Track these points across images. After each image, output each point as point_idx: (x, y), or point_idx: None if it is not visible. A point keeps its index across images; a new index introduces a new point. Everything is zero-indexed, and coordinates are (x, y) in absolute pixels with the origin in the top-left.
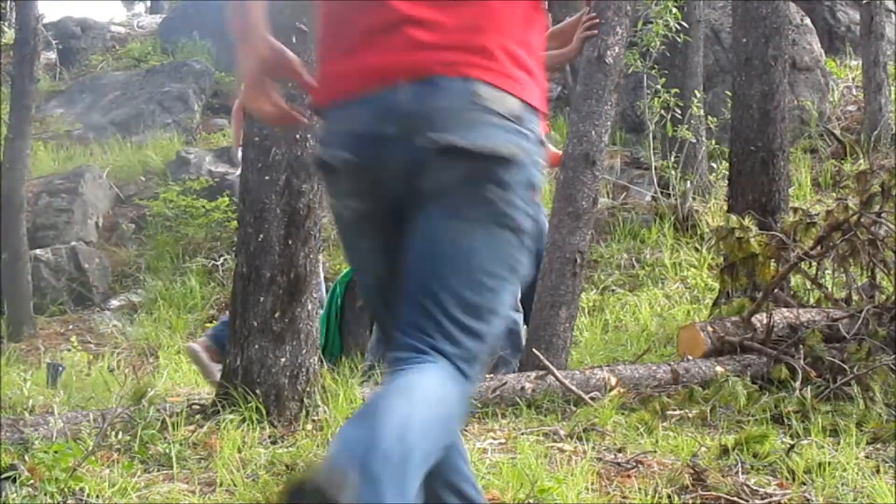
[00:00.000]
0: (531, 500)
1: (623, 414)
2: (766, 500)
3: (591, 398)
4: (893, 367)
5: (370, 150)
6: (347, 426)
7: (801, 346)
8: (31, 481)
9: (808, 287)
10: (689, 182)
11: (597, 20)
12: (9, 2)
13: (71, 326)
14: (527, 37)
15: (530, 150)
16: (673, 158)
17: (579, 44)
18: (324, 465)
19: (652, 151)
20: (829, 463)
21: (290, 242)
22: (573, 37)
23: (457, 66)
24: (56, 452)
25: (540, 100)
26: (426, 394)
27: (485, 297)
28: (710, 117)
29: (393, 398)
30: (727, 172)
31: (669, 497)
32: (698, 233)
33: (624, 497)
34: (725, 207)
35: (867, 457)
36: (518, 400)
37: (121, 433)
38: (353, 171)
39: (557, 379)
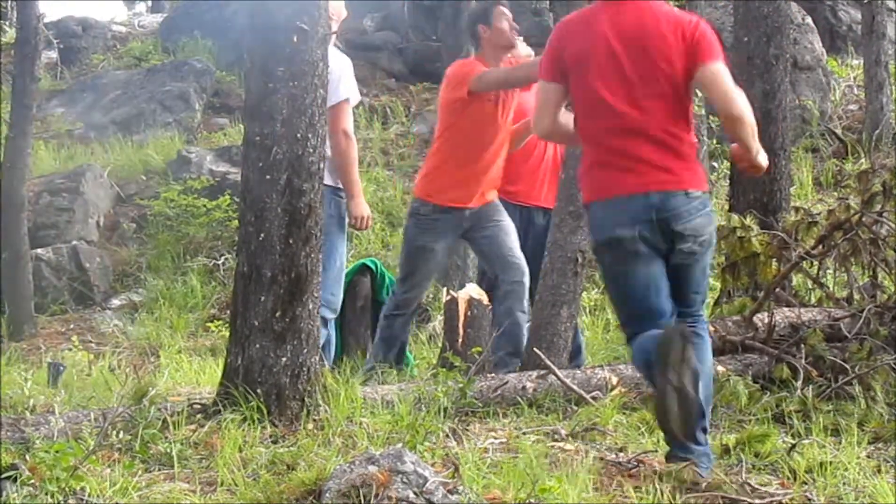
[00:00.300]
0: (532, 500)
1: (624, 413)
2: (767, 500)
3: (593, 397)
4: (895, 366)
5: (644, 228)
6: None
7: (802, 345)
8: (32, 481)
9: (810, 286)
10: None
11: None
12: (10, 1)
13: (72, 326)
14: (693, 142)
15: (712, 217)
16: None
17: None
18: (671, 330)
19: None
20: (831, 462)
21: (291, 242)
22: None
23: (679, 184)
24: (57, 452)
25: (704, 178)
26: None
27: (705, 291)
28: (711, 116)
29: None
30: (728, 172)
31: (671, 496)
32: None
33: (625, 497)
34: (727, 207)
35: (868, 456)
36: (519, 399)
37: (122, 432)
38: (633, 239)
39: (559, 378)
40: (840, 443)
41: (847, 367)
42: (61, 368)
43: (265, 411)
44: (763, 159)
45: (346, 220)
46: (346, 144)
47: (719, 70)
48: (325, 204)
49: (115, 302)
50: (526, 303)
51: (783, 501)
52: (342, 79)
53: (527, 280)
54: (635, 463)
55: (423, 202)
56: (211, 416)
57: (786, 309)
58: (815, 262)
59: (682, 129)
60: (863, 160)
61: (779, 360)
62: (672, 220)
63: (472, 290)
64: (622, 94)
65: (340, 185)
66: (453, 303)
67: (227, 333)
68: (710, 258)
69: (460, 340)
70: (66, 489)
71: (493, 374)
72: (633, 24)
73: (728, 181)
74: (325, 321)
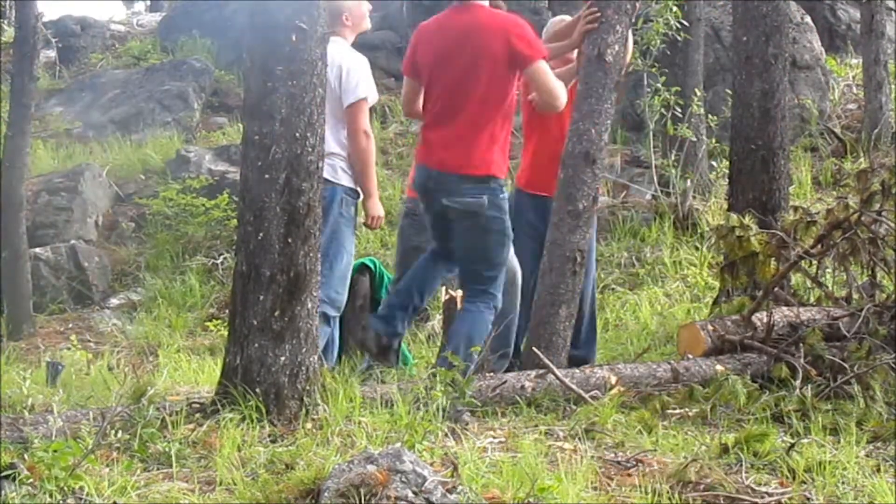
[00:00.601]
0: (531, 499)
1: (623, 413)
2: (766, 499)
3: (592, 397)
4: (894, 365)
5: (427, 192)
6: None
7: (801, 344)
8: (31, 480)
9: (809, 286)
10: (689, 180)
11: (597, 13)
12: (9, 0)
13: (70, 325)
14: (489, 132)
15: (484, 202)
16: (673, 157)
17: (579, 38)
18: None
19: (652, 150)
20: (830, 462)
21: (289, 241)
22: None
23: (454, 168)
24: (55, 451)
25: (495, 165)
26: None
27: (480, 272)
28: (710, 116)
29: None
30: (727, 171)
31: (669, 495)
32: (698, 231)
33: (624, 496)
34: (726, 206)
35: (867, 455)
36: (518, 399)
37: (120, 432)
38: (422, 199)
39: (557, 377)
40: (839, 442)
41: (846, 366)
42: (60, 368)
43: (264, 410)
44: None
45: (356, 220)
46: (366, 143)
47: (540, 68)
48: (338, 204)
49: (114, 301)
50: (517, 301)
51: (782, 501)
52: (360, 78)
53: (519, 280)
54: (634, 462)
55: (418, 201)
56: (209, 416)
57: (784, 308)
58: (814, 262)
59: (485, 120)
60: (862, 159)
61: (777, 360)
62: (441, 193)
63: None
64: (449, 89)
65: (356, 187)
66: (452, 302)
67: (226, 333)
68: (482, 241)
69: None
70: (65, 488)
71: (490, 374)
72: (464, 29)
73: (727, 180)
74: (328, 319)
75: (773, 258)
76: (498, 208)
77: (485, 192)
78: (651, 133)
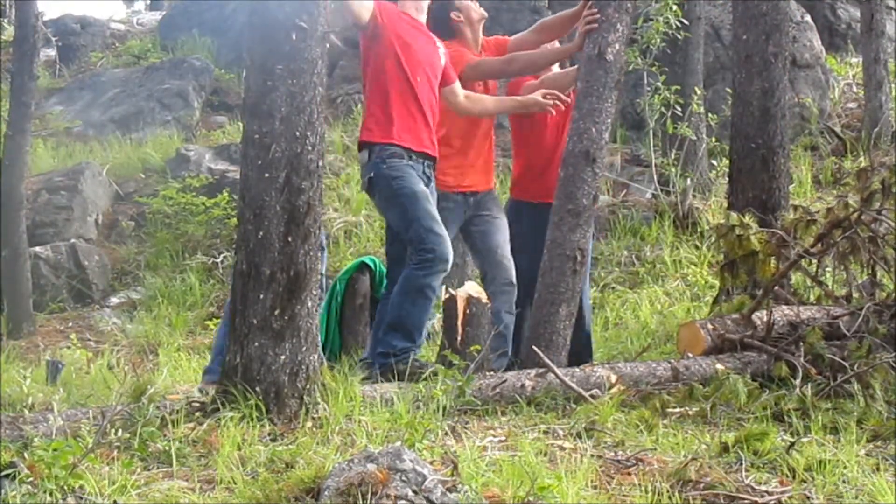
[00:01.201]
0: (531, 498)
1: (623, 411)
2: (766, 498)
3: (592, 396)
4: (894, 364)
5: None
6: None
7: (801, 343)
8: (31, 479)
9: (809, 284)
10: (689, 179)
11: (596, 14)
12: None
13: (70, 324)
14: (369, 109)
15: (366, 180)
16: (673, 156)
17: (580, 39)
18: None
19: (652, 149)
20: (830, 460)
21: (289, 240)
22: (567, 29)
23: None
24: (56, 450)
25: (367, 132)
26: None
27: (397, 246)
28: (710, 114)
29: None
30: (727, 170)
31: (669, 494)
32: (698, 230)
33: (624, 495)
34: (726, 205)
35: (867, 454)
36: (518, 397)
37: (120, 431)
38: None
39: (557, 376)
40: (839, 441)
41: (846, 365)
42: (60, 366)
43: (264, 409)
44: None
45: None
46: None
47: None
48: None
49: (114, 300)
50: (513, 303)
51: (782, 500)
52: None
53: (515, 280)
54: (634, 461)
55: None
56: (209, 415)
57: (785, 307)
58: (814, 261)
59: (367, 100)
60: (862, 158)
61: (778, 359)
62: None
63: (471, 289)
64: None
65: None
66: (452, 301)
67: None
68: (387, 212)
69: (459, 338)
70: (65, 487)
71: (490, 373)
72: None
73: (727, 179)
74: None
75: (773, 257)
76: (382, 178)
77: (370, 169)
78: (651, 132)
